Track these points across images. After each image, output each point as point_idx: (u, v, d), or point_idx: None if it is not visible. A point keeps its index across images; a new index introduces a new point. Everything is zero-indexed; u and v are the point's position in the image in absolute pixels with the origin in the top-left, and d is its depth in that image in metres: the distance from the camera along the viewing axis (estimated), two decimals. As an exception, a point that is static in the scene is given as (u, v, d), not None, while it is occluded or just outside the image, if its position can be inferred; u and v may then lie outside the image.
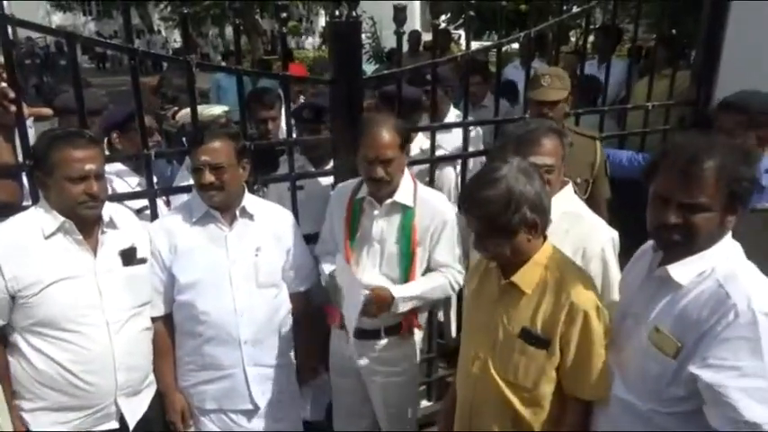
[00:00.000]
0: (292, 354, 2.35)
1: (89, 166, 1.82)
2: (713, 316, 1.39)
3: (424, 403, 3.13)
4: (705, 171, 1.39)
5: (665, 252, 1.55)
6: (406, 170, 2.23)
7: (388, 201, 2.16)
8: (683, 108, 3.52)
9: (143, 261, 2.04)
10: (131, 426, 2.01)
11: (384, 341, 2.24)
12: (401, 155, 2.11)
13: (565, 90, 2.62)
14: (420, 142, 3.13)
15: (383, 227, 2.19)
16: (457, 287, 2.29)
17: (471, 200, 1.66)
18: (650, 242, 1.69)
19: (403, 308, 2.14)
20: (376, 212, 2.19)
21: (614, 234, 2.03)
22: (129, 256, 1.98)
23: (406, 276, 2.19)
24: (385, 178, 2.08)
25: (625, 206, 3.35)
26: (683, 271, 1.47)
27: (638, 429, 1.53)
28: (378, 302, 2.07)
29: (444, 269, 2.24)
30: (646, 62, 4.98)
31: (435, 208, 2.21)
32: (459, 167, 3.04)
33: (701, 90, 3.43)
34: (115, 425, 2.00)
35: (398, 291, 2.12)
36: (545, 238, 1.74)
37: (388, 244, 2.19)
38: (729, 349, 1.36)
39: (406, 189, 2.19)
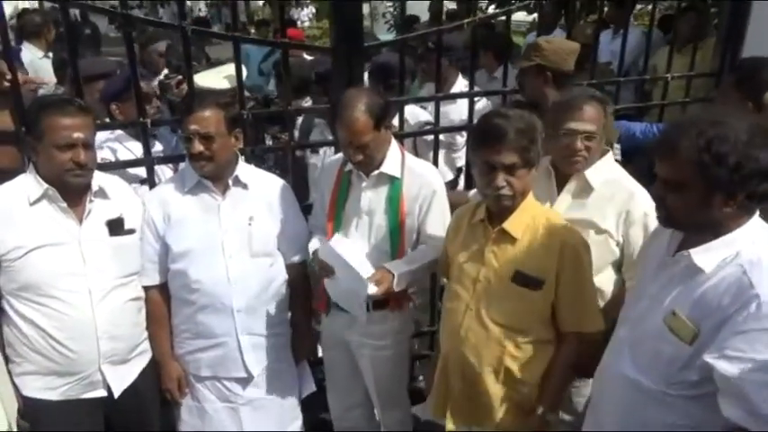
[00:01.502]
0: (288, 324, 2.35)
1: (77, 135, 1.82)
2: (734, 305, 1.33)
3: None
4: (681, 147, 1.33)
5: (666, 227, 1.50)
6: (394, 140, 2.18)
7: (375, 172, 2.12)
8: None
9: (131, 232, 2.04)
10: (116, 394, 2.03)
11: (371, 315, 2.21)
12: (379, 133, 2.03)
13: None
14: (406, 114, 3.04)
15: (371, 198, 2.16)
16: None
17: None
18: None
19: (402, 285, 2.10)
20: (363, 184, 2.15)
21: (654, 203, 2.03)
22: (115, 226, 1.99)
23: (396, 248, 2.16)
24: (363, 161, 2.04)
25: (639, 179, 3.30)
26: (707, 257, 1.41)
27: (647, 409, 1.51)
28: (384, 290, 2.03)
29: (436, 241, 2.19)
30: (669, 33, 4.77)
31: (423, 178, 2.17)
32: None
33: (725, 60, 3.28)
34: (103, 393, 2.01)
35: (396, 267, 2.09)
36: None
37: (377, 216, 2.15)
38: (748, 341, 1.30)
39: (393, 160, 2.14)
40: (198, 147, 1.99)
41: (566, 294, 1.80)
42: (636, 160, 3.56)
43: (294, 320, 2.35)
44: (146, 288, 2.13)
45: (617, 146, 2.55)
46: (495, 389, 1.86)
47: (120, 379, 2.05)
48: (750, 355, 1.30)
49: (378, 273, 2.04)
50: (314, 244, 2.24)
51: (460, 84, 3.30)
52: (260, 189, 2.19)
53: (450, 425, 1.98)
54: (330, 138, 2.79)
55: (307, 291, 2.38)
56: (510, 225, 1.80)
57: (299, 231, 2.30)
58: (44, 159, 1.84)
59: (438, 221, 2.19)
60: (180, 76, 3.09)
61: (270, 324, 2.23)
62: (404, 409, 2.54)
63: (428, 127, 2.97)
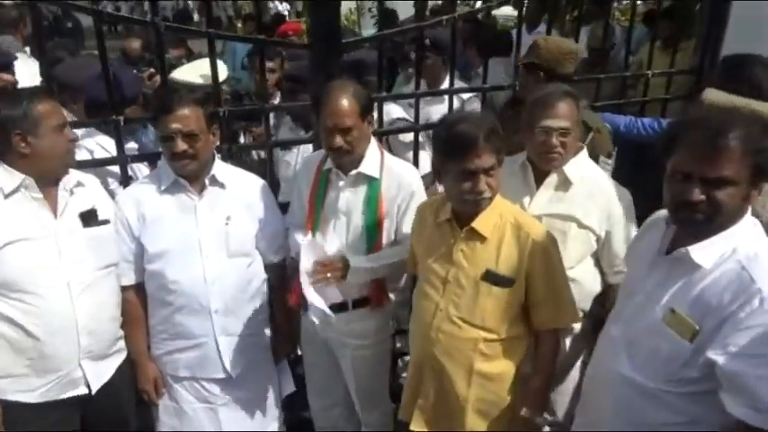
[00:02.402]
0: (267, 324, 2.33)
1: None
2: (736, 301, 1.34)
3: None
4: (731, 142, 1.32)
5: (684, 230, 1.48)
6: (373, 140, 2.17)
7: (353, 172, 2.11)
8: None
9: (105, 222, 2.02)
10: (94, 390, 2.01)
11: (351, 314, 2.21)
12: (362, 123, 2.03)
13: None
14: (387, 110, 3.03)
15: (349, 198, 2.14)
16: None
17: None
18: (660, 215, 1.65)
19: (358, 278, 2.09)
20: (341, 184, 2.13)
21: (630, 196, 2.10)
22: (88, 218, 1.96)
23: (372, 248, 2.14)
24: (344, 147, 2.01)
25: (624, 172, 3.31)
26: (705, 254, 1.41)
27: (643, 407, 1.51)
28: (325, 269, 2.02)
29: (410, 241, 2.17)
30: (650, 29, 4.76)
31: (402, 178, 2.15)
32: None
33: (705, 58, 3.29)
34: (83, 390, 1.98)
35: (355, 260, 2.08)
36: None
37: (354, 216, 2.14)
38: (751, 337, 1.31)
39: (372, 160, 2.12)
40: (181, 145, 1.96)
41: (539, 291, 1.81)
42: (620, 154, 3.58)
43: (274, 320, 2.34)
44: (122, 288, 2.10)
45: (610, 161, 2.55)
46: (466, 390, 1.85)
47: (99, 375, 2.03)
48: (753, 350, 1.31)
49: (331, 258, 2.04)
50: (293, 241, 2.23)
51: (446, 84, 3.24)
52: (237, 188, 2.16)
53: (414, 425, 1.97)
54: (302, 136, 2.77)
55: (285, 290, 2.34)
56: (479, 224, 1.80)
57: (277, 231, 2.28)
58: (42, 146, 1.82)
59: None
60: (152, 69, 3.05)
61: (248, 324, 2.21)
62: (384, 408, 2.53)
63: (400, 124, 2.94)
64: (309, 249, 2.05)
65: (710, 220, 1.39)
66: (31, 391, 1.90)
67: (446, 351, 1.85)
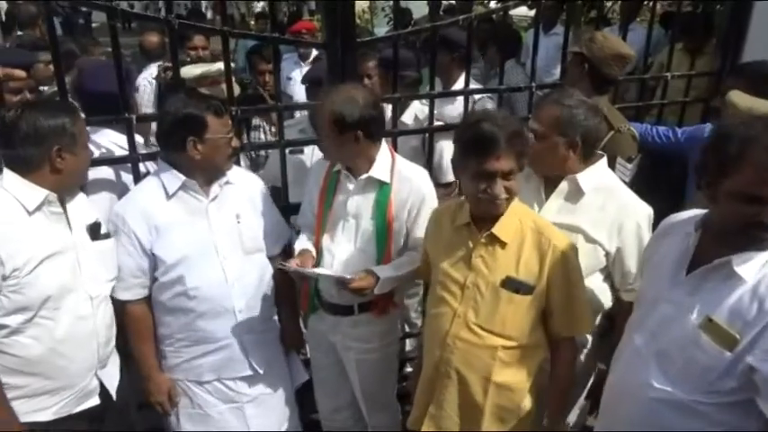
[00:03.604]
0: (276, 318, 2.33)
1: None
2: None
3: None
4: None
5: (746, 246, 1.40)
6: (385, 144, 2.13)
7: (363, 176, 2.07)
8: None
9: (107, 236, 1.99)
10: (113, 393, 1.99)
11: (357, 317, 2.19)
12: (350, 141, 1.98)
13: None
14: (416, 110, 3.01)
15: (358, 202, 2.11)
16: None
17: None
18: (675, 220, 1.62)
19: (385, 289, 2.06)
20: (351, 187, 2.11)
21: (650, 211, 1.97)
22: (95, 231, 1.94)
23: (382, 252, 2.11)
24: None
25: (644, 179, 3.25)
26: (748, 266, 1.37)
27: (674, 420, 1.47)
28: (362, 287, 2.00)
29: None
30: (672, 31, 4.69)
31: (413, 183, 2.11)
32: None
33: (727, 60, 3.22)
34: (96, 401, 1.96)
35: (382, 271, 2.05)
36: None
37: (364, 220, 2.11)
38: None
39: (383, 164, 2.08)
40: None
41: (558, 299, 1.77)
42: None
43: (281, 312, 2.33)
44: (125, 303, 2.04)
45: (629, 165, 2.48)
46: (483, 398, 1.81)
47: (111, 379, 2.01)
48: None
49: (361, 274, 2.01)
50: (300, 243, 2.22)
51: (462, 83, 3.18)
52: (241, 186, 2.15)
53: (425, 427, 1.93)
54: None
55: (290, 282, 2.33)
56: (499, 230, 1.76)
57: (276, 221, 2.28)
58: (75, 162, 1.81)
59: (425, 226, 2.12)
60: (168, 64, 3.04)
61: (265, 319, 2.21)
62: (392, 413, 2.50)
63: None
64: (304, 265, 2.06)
65: None
66: (43, 410, 1.86)
67: (464, 359, 1.81)
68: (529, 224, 1.77)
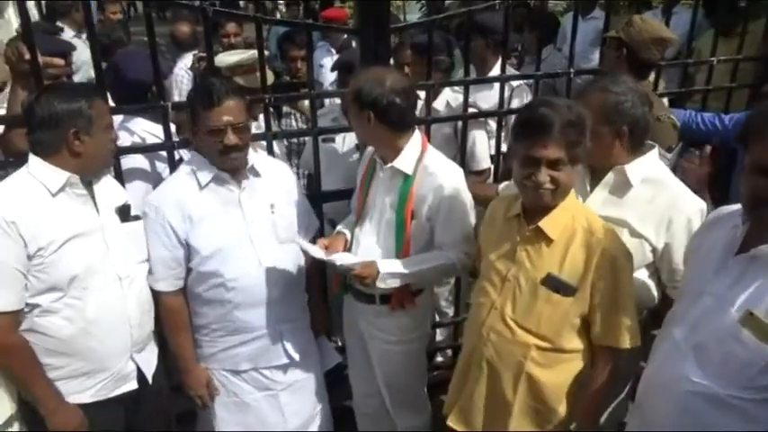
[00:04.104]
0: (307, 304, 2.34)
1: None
2: None
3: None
4: None
5: (762, 227, 1.38)
6: (417, 133, 2.08)
7: (388, 165, 2.04)
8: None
9: (137, 218, 2.00)
10: (149, 377, 2.02)
11: (378, 307, 2.17)
12: (364, 121, 1.95)
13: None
14: (447, 97, 2.96)
15: (384, 192, 2.08)
16: (462, 268, 2.17)
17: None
18: (724, 211, 1.57)
19: (387, 284, 2.02)
20: (381, 176, 2.09)
21: (703, 205, 1.89)
22: (124, 213, 1.96)
23: (400, 246, 2.07)
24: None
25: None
26: None
27: (711, 414, 1.43)
28: (359, 278, 1.99)
29: (447, 249, 2.09)
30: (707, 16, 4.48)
31: (436, 180, 2.03)
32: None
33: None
34: (133, 385, 1.99)
35: (385, 266, 2.02)
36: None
37: (387, 211, 2.08)
38: None
39: (410, 155, 2.03)
40: (233, 138, 1.92)
41: (601, 306, 1.68)
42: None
43: (311, 299, 2.33)
44: (161, 293, 2.05)
45: (669, 155, 2.38)
46: (512, 395, 1.78)
47: (149, 365, 2.04)
48: None
49: (364, 263, 1.99)
50: (341, 225, 2.25)
51: (497, 70, 3.09)
52: (272, 175, 2.14)
53: (452, 423, 1.91)
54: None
55: (318, 269, 2.35)
56: (547, 224, 1.69)
57: (307, 210, 2.28)
58: (94, 144, 1.81)
59: (448, 228, 2.08)
60: (202, 53, 3.06)
61: (298, 307, 2.23)
62: (420, 411, 2.46)
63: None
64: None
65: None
66: (82, 392, 1.89)
67: (496, 352, 1.78)
68: (581, 222, 1.69)
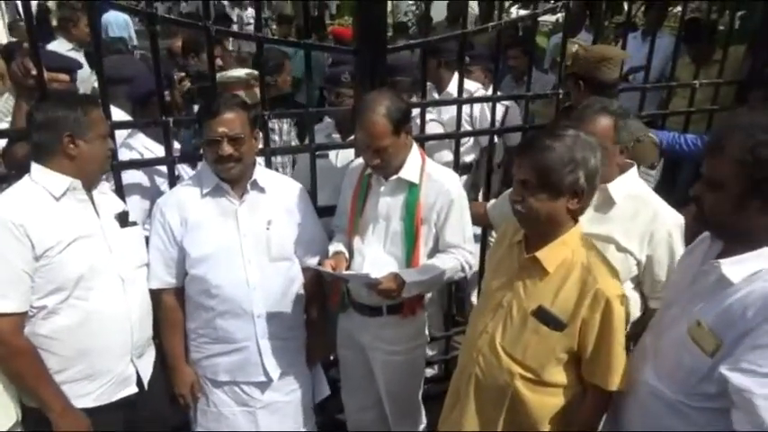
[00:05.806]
0: (303, 327, 2.33)
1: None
2: (757, 318, 1.30)
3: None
4: (725, 146, 1.33)
5: (719, 239, 1.48)
6: (415, 146, 2.16)
7: (394, 177, 2.11)
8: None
9: (135, 224, 2.06)
10: (146, 383, 2.04)
11: (385, 319, 2.21)
12: (397, 139, 2.02)
13: None
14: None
15: (388, 204, 2.14)
16: (468, 268, 2.22)
17: (534, 145, 1.61)
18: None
19: (410, 293, 2.09)
20: (382, 189, 2.14)
21: (682, 220, 1.97)
22: (123, 219, 2.01)
23: (410, 255, 2.14)
24: (380, 165, 2.04)
25: (666, 189, 3.25)
26: (736, 269, 1.37)
27: (667, 419, 1.49)
28: (385, 292, 2.02)
29: (454, 250, 2.18)
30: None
31: (442, 185, 2.13)
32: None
33: (755, 70, 3.21)
34: (134, 389, 2.01)
35: (409, 275, 2.07)
36: (576, 221, 1.70)
37: (393, 221, 2.14)
38: (765, 356, 1.28)
39: (413, 165, 2.12)
40: (228, 149, 1.98)
41: (591, 344, 1.65)
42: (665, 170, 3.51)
43: (309, 322, 2.33)
44: (157, 291, 2.10)
45: (652, 172, 2.46)
46: (497, 421, 1.77)
47: (146, 369, 2.07)
48: (765, 369, 1.27)
49: (388, 276, 2.03)
50: (333, 245, 2.24)
51: (454, 85, 3.04)
52: (277, 193, 2.18)
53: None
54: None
55: (321, 293, 2.36)
56: (543, 255, 1.67)
57: (315, 236, 2.29)
58: (89, 150, 1.86)
59: (457, 231, 2.17)
60: (182, 74, 3.12)
61: (288, 327, 2.22)
62: (416, 419, 2.52)
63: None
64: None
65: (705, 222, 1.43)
66: (87, 395, 1.91)
67: (483, 374, 1.79)
68: (581, 259, 1.65)
